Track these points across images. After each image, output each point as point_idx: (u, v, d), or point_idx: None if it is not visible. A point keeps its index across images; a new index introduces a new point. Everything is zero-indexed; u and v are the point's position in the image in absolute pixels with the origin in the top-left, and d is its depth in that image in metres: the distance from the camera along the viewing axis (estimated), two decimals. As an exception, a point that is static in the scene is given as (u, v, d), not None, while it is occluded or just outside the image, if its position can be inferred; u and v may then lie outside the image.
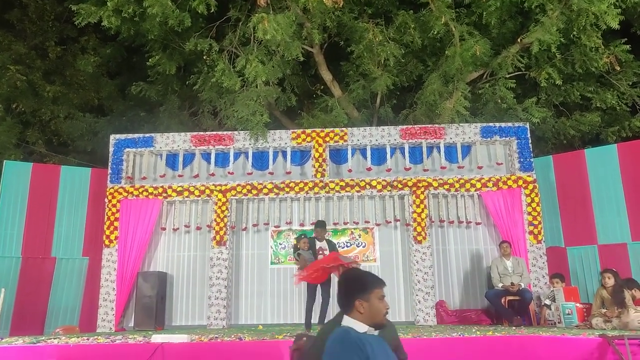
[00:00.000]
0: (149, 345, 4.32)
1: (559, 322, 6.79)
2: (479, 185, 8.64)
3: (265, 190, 8.77)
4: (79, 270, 8.83)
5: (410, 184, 8.68)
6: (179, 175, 9.08)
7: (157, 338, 4.48)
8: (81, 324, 8.37)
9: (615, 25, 8.43)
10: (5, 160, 9.13)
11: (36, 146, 12.47)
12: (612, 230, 8.26)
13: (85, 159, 12.52)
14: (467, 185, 8.65)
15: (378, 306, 2.23)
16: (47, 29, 12.68)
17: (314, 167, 8.92)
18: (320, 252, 6.74)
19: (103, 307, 8.39)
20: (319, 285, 6.53)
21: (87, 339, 4.87)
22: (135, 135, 9.30)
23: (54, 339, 5.21)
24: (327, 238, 7.03)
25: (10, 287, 8.13)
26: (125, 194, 8.81)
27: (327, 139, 9.02)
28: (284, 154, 9.14)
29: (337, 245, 7.13)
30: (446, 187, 8.65)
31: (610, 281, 6.19)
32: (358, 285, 2.26)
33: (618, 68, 9.60)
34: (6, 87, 11.39)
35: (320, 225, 7.02)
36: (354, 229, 8.81)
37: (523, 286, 7.40)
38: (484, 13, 9.15)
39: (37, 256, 8.63)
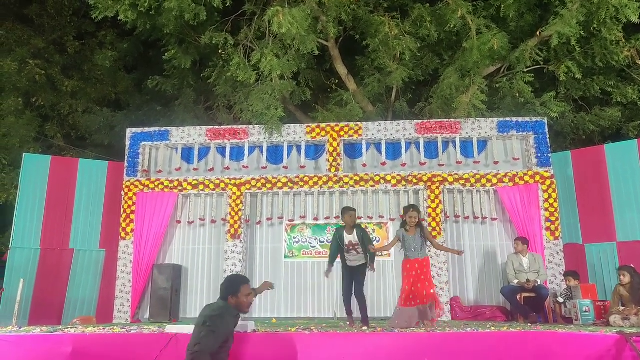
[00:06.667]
0: (164, 335, 4.36)
1: (575, 320, 6.69)
2: (495, 180, 8.53)
3: (279, 184, 8.78)
4: (95, 262, 8.95)
5: (425, 179, 8.61)
6: (194, 169, 9.14)
7: (172, 328, 4.52)
8: (98, 315, 8.49)
9: (635, 18, 8.29)
10: (24, 153, 9.27)
11: (55, 140, 12.66)
12: (631, 228, 8.10)
13: (103, 152, 12.66)
14: (483, 181, 8.56)
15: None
16: (66, 24, 12.86)
17: (329, 161, 8.90)
18: (351, 247, 5.80)
19: (119, 299, 8.52)
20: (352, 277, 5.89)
21: (103, 329, 4.94)
22: (152, 129, 9.38)
23: (71, 328, 5.29)
24: (357, 226, 5.91)
25: (29, 278, 8.30)
26: (141, 187, 8.91)
27: (342, 133, 8.99)
28: (299, 148, 9.14)
29: (370, 237, 6.20)
30: (462, 182, 8.57)
31: (625, 279, 6.07)
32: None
33: (639, 62, 9.40)
34: (26, 81, 11.57)
35: (348, 210, 5.91)
36: (368, 223, 8.77)
37: (539, 283, 7.30)
38: (502, 6, 9.03)
39: (56, 248, 8.77)
